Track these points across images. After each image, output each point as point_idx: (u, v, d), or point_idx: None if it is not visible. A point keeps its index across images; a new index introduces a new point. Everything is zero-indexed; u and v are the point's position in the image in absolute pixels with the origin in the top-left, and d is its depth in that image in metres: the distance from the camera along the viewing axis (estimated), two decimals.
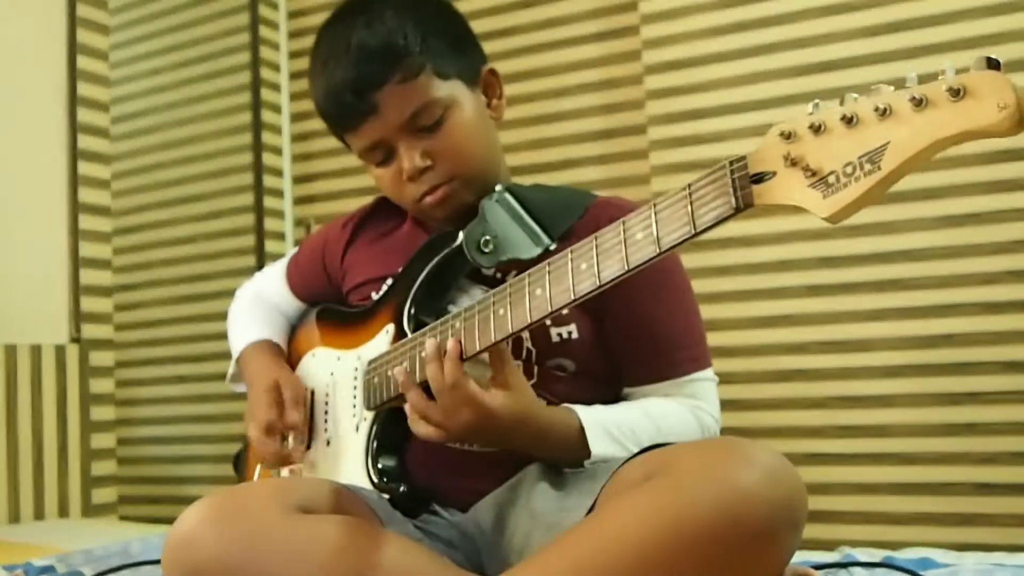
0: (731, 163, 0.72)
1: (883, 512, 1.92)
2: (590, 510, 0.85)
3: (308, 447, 1.14)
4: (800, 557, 1.18)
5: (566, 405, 0.97)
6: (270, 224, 2.69)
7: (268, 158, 2.70)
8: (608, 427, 0.96)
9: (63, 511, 2.16)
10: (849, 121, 0.66)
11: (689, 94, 2.14)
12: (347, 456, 1.06)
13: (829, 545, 1.34)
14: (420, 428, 0.93)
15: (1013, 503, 1.81)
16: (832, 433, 1.96)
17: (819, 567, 1.14)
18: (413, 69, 1.02)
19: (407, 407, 0.94)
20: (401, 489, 0.98)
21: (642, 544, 0.72)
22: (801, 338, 2.00)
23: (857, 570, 1.14)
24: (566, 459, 0.96)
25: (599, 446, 0.94)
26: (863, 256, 1.94)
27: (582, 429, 0.94)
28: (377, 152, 1.06)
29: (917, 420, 1.90)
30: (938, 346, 1.89)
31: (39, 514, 2.11)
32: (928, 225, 1.90)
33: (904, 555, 1.22)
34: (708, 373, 1.05)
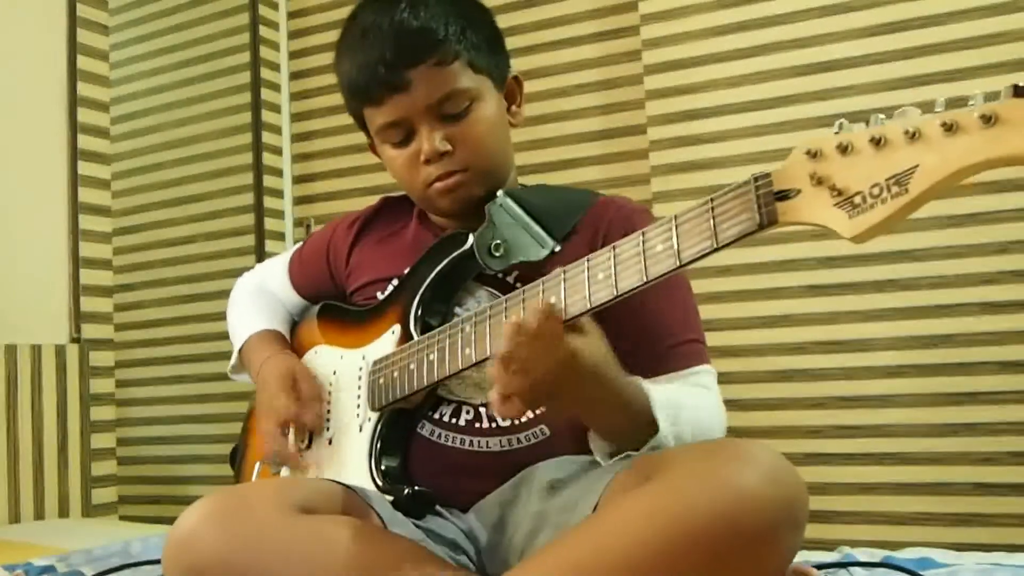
0: (755, 179, 0.71)
1: (883, 512, 1.92)
2: (594, 510, 0.85)
3: (309, 446, 1.14)
4: (800, 557, 1.18)
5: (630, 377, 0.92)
6: (270, 224, 2.69)
7: (268, 158, 2.70)
8: (672, 402, 0.91)
9: (63, 511, 2.16)
10: (877, 143, 0.65)
11: (689, 94, 2.13)
12: (350, 456, 1.06)
13: (829, 545, 1.34)
14: (501, 391, 0.85)
15: (1012, 503, 1.81)
16: (832, 433, 1.96)
17: (819, 567, 1.14)
18: (449, 55, 1.04)
19: (492, 371, 0.86)
20: (405, 491, 0.98)
21: (643, 545, 0.72)
22: (801, 338, 2.00)
23: (857, 570, 1.14)
24: (627, 427, 0.91)
25: (665, 423, 0.89)
26: (863, 256, 1.94)
27: (649, 400, 0.90)
28: (396, 131, 1.07)
29: (917, 420, 1.90)
30: (937, 346, 1.89)
31: (39, 514, 2.11)
32: (928, 225, 1.90)
33: (904, 555, 1.23)
34: (710, 367, 1.05)
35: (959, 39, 1.90)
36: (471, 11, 1.10)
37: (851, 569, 1.14)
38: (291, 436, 1.10)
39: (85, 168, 2.29)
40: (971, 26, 1.89)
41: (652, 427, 0.89)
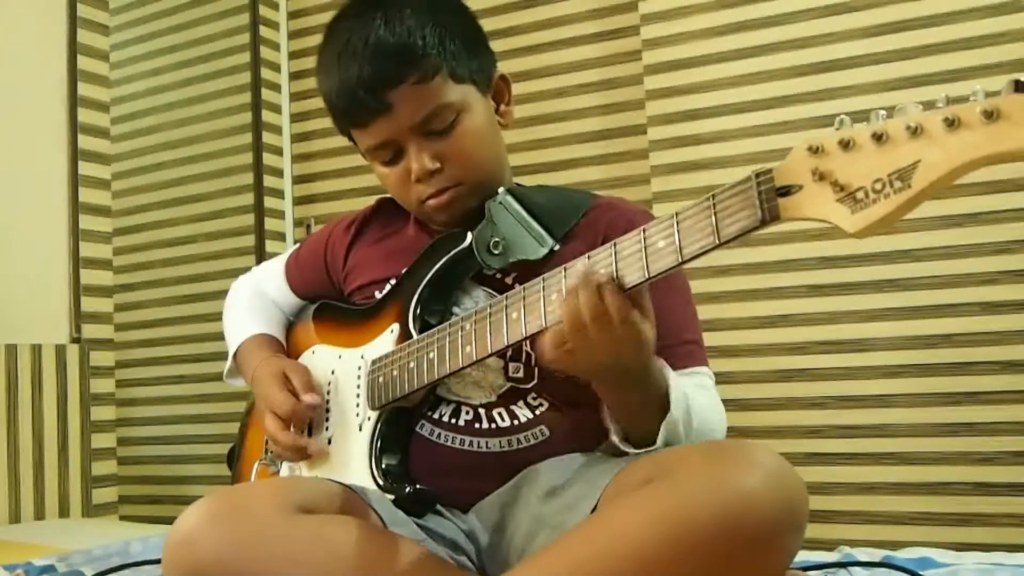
0: (757, 175, 0.71)
1: (883, 512, 1.92)
2: (593, 511, 0.85)
3: (309, 436, 1.13)
4: (800, 557, 1.18)
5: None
6: (270, 224, 2.69)
7: (268, 158, 2.70)
8: (686, 391, 0.91)
9: (63, 511, 2.16)
10: (879, 138, 0.65)
11: (689, 94, 2.14)
12: (350, 455, 1.06)
13: (829, 545, 1.34)
14: (555, 356, 0.85)
15: (1012, 503, 1.82)
16: (832, 433, 1.96)
17: (819, 567, 1.14)
18: (429, 71, 1.01)
19: (545, 339, 0.84)
20: (407, 490, 0.97)
21: (643, 547, 0.72)
22: (801, 338, 2.00)
23: (857, 570, 1.14)
24: (643, 408, 0.90)
25: (677, 410, 0.89)
26: (863, 256, 1.94)
27: (667, 383, 0.89)
28: (385, 151, 1.06)
29: (917, 420, 1.90)
30: (937, 346, 1.89)
31: (39, 514, 2.11)
32: (928, 225, 1.90)
33: (904, 555, 1.23)
34: (708, 369, 1.05)
35: (959, 39, 1.90)
36: (448, 16, 1.06)
37: (851, 569, 1.14)
38: (292, 430, 1.09)
39: (85, 168, 2.29)
40: (971, 26, 1.89)
41: (663, 411, 0.88)
